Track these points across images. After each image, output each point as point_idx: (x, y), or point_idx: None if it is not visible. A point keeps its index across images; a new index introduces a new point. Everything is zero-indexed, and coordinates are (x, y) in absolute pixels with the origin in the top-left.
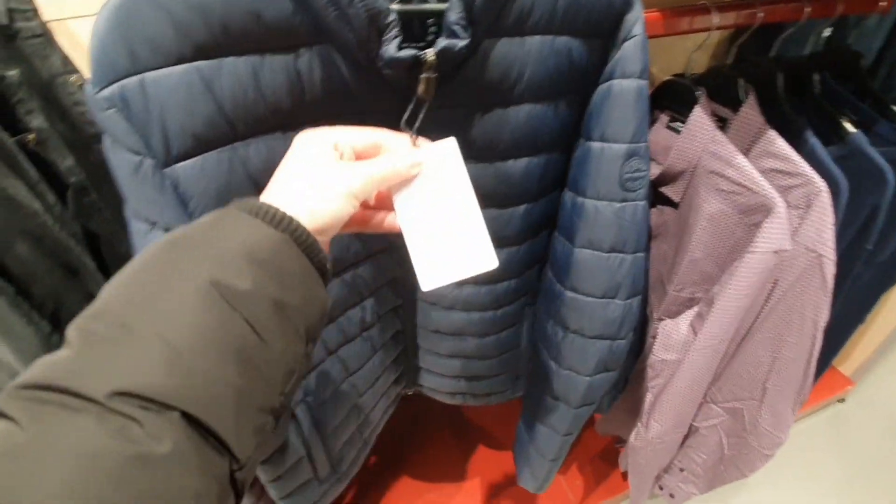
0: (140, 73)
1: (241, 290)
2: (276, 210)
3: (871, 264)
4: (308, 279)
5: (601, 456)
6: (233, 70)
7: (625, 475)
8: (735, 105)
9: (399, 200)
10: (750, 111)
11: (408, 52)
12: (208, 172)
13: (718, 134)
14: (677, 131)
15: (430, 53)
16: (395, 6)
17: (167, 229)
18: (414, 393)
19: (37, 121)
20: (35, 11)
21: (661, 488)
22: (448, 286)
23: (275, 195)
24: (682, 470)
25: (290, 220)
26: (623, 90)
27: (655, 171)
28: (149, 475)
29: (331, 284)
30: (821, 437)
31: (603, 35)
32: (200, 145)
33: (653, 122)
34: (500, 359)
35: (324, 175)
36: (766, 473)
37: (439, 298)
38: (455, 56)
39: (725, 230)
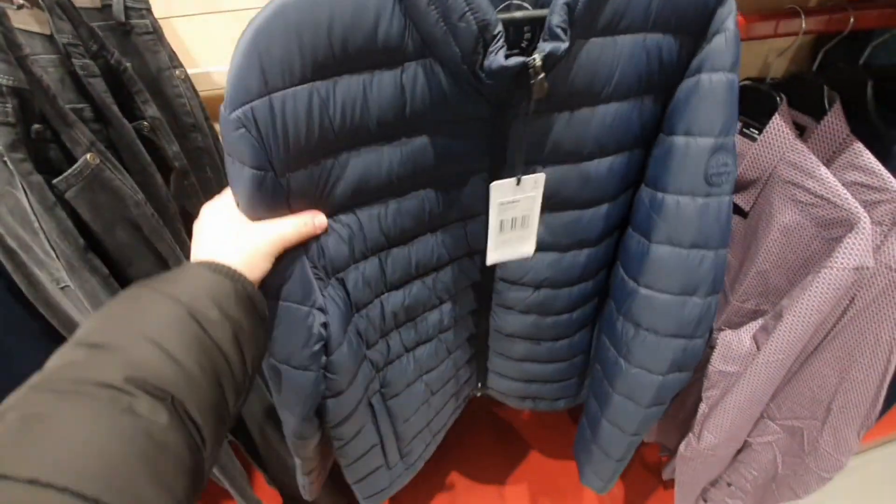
0: (269, 94)
1: (210, 318)
2: (228, 267)
3: None
4: (253, 318)
5: (643, 465)
6: (346, 87)
7: (666, 485)
8: (817, 114)
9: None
10: (834, 120)
11: (515, 60)
12: (315, 180)
13: (798, 143)
14: (753, 138)
15: (537, 59)
16: (500, 16)
17: None
18: (481, 395)
19: (151, 110)
20: (148, 10)
21: (705, 501)
22: (526, 291)
23: (219, 255)
24: (729, 485)
25: (238, 274)
26: (713, 83)
27: None
28: (153, 441)
29: (412, 286)
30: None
31: (694, 31)
32: (313, 158)
33: None
34: (572, 362)
35: (246, 240)
36: (845, 499)
37: (516, 302)
38: (557, 59)
39: (800, 243)
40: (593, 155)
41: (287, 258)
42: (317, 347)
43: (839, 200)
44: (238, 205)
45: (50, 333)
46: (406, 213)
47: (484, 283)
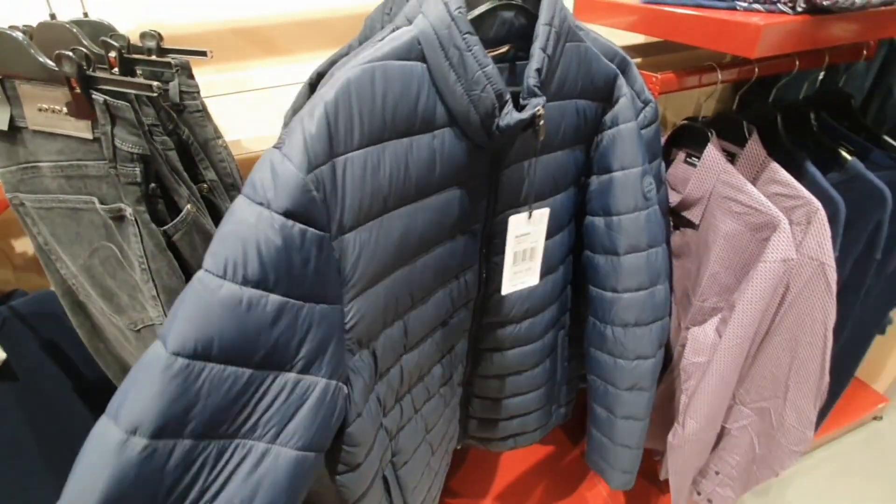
0: (332, 159)
1: None
2: None
3: (882, 275)
4: None
5: (641, 470)
6: (393, 151)
7: (662, 488)
8: (741, 142)
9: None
10: (755, 146)
11: (528, 112)
12: (362, 243)
13: (729, 166)
14: (694, 165)
15: (540, 108)
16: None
17: (320, 300)
18: (462, 447)
19: (209, 174)
20: (198, 91)
21: (698, 494)
22: (513, 326)
23: None
24: (717, 473)
25: None
26: (628, 131)
27: (676, 198)
28: None
29: (424, 344)
30: (860, 456)
31: (604, 97)
32: (362, 219)
33: (672, 159)
34: (545, 388)
35: None
36: (807, 495)
37: (503, 340)
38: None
39: (740, 246)
40: (553, 192)
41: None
42: (335, 422)
43: (764, 208)
44: None
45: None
46: (429, 271)
47: (473, 329)
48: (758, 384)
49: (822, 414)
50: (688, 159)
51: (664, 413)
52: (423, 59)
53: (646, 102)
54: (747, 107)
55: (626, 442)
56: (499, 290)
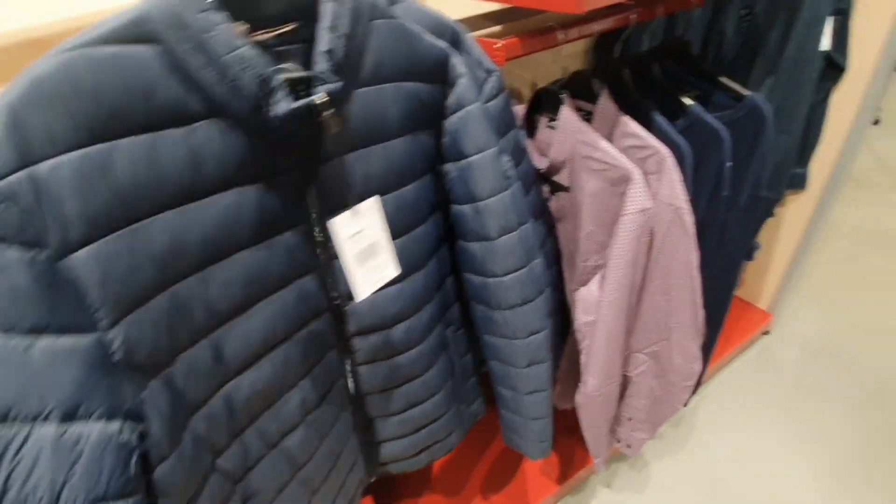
0: (29, 165)
1: None
2: None
3: (735, 208)
4: None
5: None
6: (128, 150)
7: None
8: (594, 100)
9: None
10: (605, 102)
11: (302, 101)
12: (106, 259)
13: (584, 125)
14: (554, 129)
15: (319, 95)
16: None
17: (61, 331)
18: (377, 478)
19: None
20: None
21: (618, 441)
22: (382, 334)
23: None
24: (629, 419)
25: None
26: (475, 112)
27: (545, 163)
28: None
29: (260, 368)
30: (754, 371)
31: (439, 79)
32: (97, 231)
33: (536, 124)
34: (445, 390)
35: None
36: (713, 417)
37: (377, 351)
38: (339, 99)
39: (605, 202)
40: (399, 184)
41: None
42: (133, 469)
43: (618, 163)
44: None
45: None
46: (235, 281)
47: (340, 346)
48: (645, 331)
49: (710, 344)
50: (549, 124)
51: (573, 373)
52: (152, 41)
53: (488, 72)
54: (599, 65)
55: (535, 415)
56: (353, 296)
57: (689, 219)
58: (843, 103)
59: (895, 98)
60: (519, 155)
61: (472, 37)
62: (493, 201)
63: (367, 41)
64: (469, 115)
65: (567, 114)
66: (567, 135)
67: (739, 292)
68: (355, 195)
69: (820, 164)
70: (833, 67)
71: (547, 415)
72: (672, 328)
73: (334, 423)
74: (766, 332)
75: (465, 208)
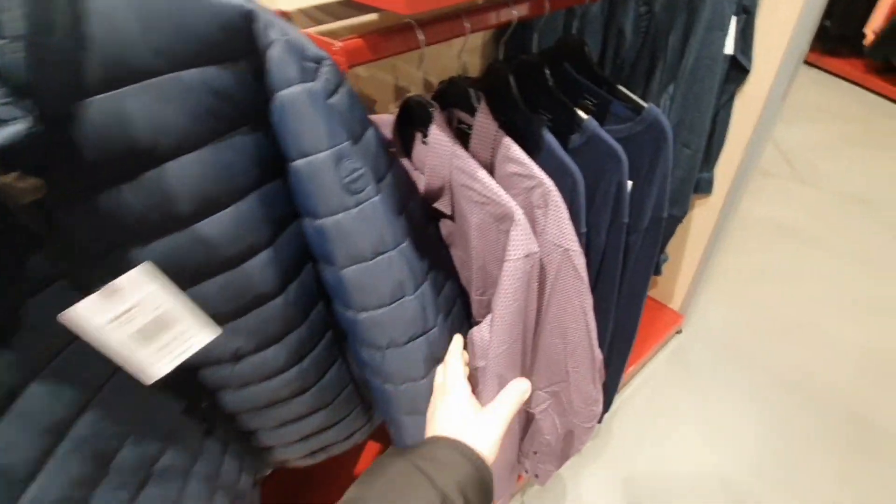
0: None
1: None
2: (477, 455)
3: (638, 231)
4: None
5: None
6: None
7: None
8: (474, 112)
9: None
10: (484, 119)
11: None
12: None
13: (458, 149)
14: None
15: None
16: None
17: None
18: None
19: None
20: None
21: (526, 471)
22: (226, 367)
23: (466, 437)
24: (535, 453)
25: (483, 464)
26: (294, 99)
27: (422, 186)
28: None
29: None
30: (668, 371)
31: (239, 55)
32: None
33: (412, 139)
34: (339, 401)
35: (489, 427)
36: (632, 421)
37: (224, 383)
38: (29, 137)
39: (490, 237)
40: (202, 212)
41: None
42: None
43: (497, 198)
44: None
45: None
46: None
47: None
48: (544, 371)
49: (618, 374)
50: (424, 140)
51: None
52: None
53: (318, 61)
54: (489, 70)
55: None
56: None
57: (580, 261)
58: (748, 103)
59: (794, 88)
60: (382, 165)
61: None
62: (331, 222)
63: (81, 25)
64: (286, 104)
65: (437, 134)
66: (440, 158)
67: (652, 293)
68: (112, 263)
69: (726, 166)
70: (737, 69)
71: None
72: (570, 371)
73: (202, 443)
74: (678, 332)
75: (308, 223)
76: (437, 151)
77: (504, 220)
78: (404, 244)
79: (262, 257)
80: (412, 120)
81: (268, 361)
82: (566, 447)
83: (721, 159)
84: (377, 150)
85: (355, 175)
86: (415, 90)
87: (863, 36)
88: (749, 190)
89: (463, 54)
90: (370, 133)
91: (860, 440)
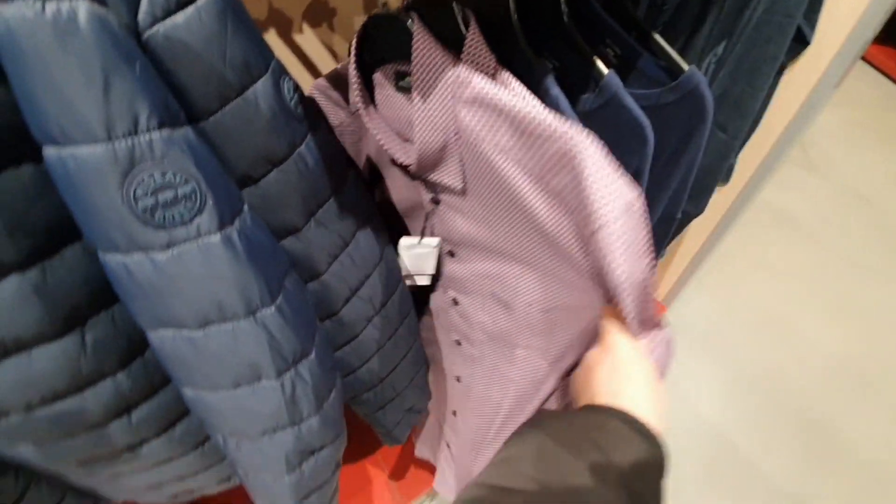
0: None
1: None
2: (658, 442)
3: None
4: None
5: None
6: None
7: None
8: (457, 42)
9: None
10: (476, 45)
11: None
12: None
13: (466, 71)
14: (407, 90)
15: None
16: None
17: None
18: None
19: None
20: None
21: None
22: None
23: (642, 409)
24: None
25: (663, 451)
26: (37, 50)
27: (412, 157)
28: None
29: None
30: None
31: None
32: None
33: (377, 92)
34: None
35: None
36: None
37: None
38: None
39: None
40: None
41: None
42: None
43: (553, 128)
44: None
45: None
46: None
47: None
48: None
49: None
50: (400, 84)
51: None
52: None
53: None
54: None
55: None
56: None
57: None
58: (795, 83)
59: None
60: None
61: None
62: (115, 262)
63: None
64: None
65: (425, 53)
66: (437, 94)
67: None
68: None
69: (751, 153)
70: (795, 39)
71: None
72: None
73: None
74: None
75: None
76: (428, 81)
77: (565, 162)
78: (267, 310)
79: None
80: (374, 57)
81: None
82: None
83: (748, 145)
84: (249, 131)
85: (166, 191)
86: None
87: None
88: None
89: None
90: (233, 106)
91: (812, 447)
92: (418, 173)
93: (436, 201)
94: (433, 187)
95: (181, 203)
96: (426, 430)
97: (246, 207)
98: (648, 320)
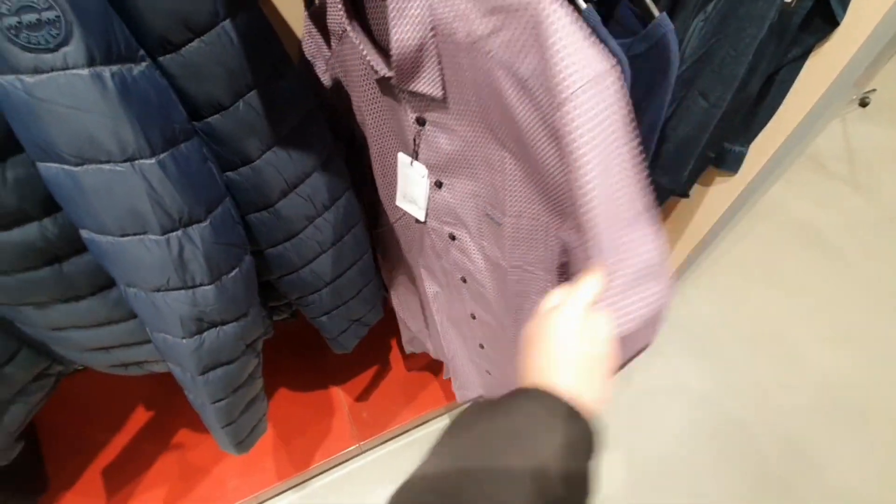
0: None
1: (556, 494)
2: (587, 422)
3: None
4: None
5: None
6: None
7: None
8: None
9: None
10: None
11: None
12: None
13: None
14: None
15: None
16: None
17: None
18: None
19: None
20: None
21: None
22: None
23: (580, 392)
24: None
25: (593, 429)
26: None
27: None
28: None
29: None
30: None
31: None
32: None
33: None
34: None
35: (601, 379)
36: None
37: None
38: None
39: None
40: None
41: None
42: None
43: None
44: None
45: None
46: None
47: None
48: None
49: None
50: None
51: None
52: None
53: None
54: None
55: (212, 423)
56: None
57: None
58: (819, 68)
59: (891, 82)
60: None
61: None
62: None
63: None
64: None
65: None
66: None
67: None
68: None
69: (764, 142)
70: (823, 17)
71: (227, 422)
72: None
73: None
74: None
75: None
76: None
77: (531, 35)
78: (162, 157)
79: None
80: None
81: None
82: None
83: (762, 133)
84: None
85: (30, 18)
86: None
87: None
88: (794, 179)
89: None
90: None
91: (785, 474)
92: (399, 84)
93: (420, 121)
94: (417, 105)
95: (44, 28)
96: (460, 375)
97: (144, 63)
98: (651, 271)
